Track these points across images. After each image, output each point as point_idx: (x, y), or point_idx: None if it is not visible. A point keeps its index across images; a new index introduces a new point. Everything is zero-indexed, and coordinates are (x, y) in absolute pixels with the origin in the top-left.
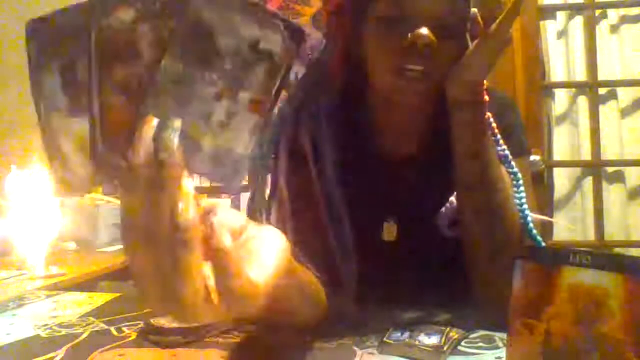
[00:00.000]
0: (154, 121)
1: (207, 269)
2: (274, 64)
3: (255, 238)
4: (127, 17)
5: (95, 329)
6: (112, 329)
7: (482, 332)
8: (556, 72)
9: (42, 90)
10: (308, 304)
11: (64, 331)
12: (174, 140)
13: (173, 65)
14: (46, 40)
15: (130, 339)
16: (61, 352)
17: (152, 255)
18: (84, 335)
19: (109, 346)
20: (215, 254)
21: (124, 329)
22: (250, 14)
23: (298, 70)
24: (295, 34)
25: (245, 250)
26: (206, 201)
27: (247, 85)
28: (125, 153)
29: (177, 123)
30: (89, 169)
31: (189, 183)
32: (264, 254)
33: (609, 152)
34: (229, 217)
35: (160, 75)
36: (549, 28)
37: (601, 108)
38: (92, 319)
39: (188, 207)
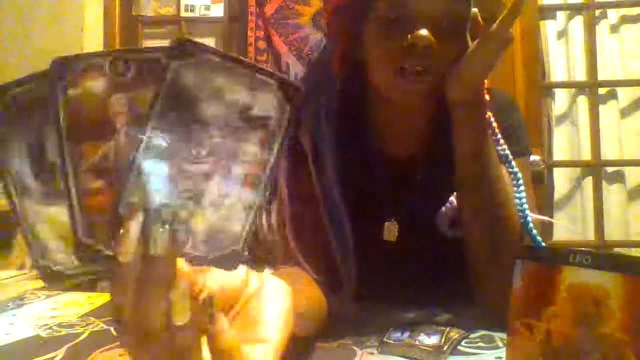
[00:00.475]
0: (140, 214)
1: None
2: (270, 131)
3: (256, 298)
4: (97, 87)
5: (95, 329)
6: (112, 329)
7: (482, 332)
8: (556, 72)
9: (9, 172)
10: (313, 325)
11: (64, 331)
12: (164, 234)
13: (154, 141)
14: (9, 114)
15: None
16: (61, 352)
17: (150, 355)
18: (84, 335)
19: (109, 346)
20: (216, 346)
21: None
22: (238, 76)
23: (298, 71)
24: (291, 92)
25: (246, 323)
26: (195, 271)
27: (239, 158)
28: (109, 242)
29: (166, 214)
30: (72, 259)
31: (184, 279)
32: (266, 321)
33: (609, 152)
34: (222, 284)
35: (141, 153)
36: (549, 28)
37: (601, 108)
38: (92, 319)
39: (185, 305)
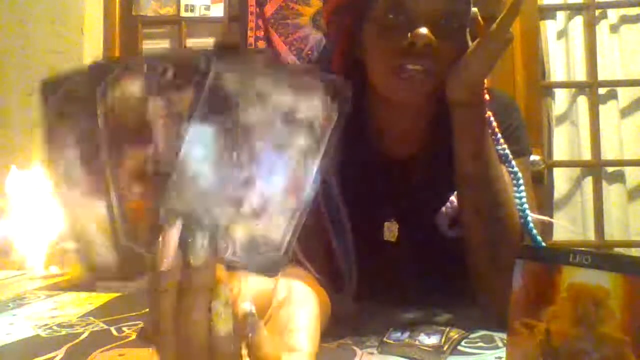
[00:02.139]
0: (180, 222)
1: None
2: (315, 135)
3: (285, 305)
4: (135, 89)
5: (95, 329)
6: (112, 329)
7: (482, 332)
8: (556, 72)
9: (58, 163)
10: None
11: (64, 331)
12: (204, 243)
13: (193, 146)
14: (61, 105)
15: (130, 339)
16: (61, 352)
17: None
18: (84, 335)
19: (109, 346)
20: (257, 356)
21: (124, 329)
22: (281, 77)
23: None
24: (340, 92)
25: (277, 330)
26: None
27: (282, 165)
28: (150, 246)
29: (206, 222)
30: (114, 255)
31: (226, 287)
32: (298, 329)
33: (609, 152)
34: (255, 290)
35: (180, 159)
36: (549, 28)
37: (601, 108)
38: (92, 319)
39: (228, 314)
